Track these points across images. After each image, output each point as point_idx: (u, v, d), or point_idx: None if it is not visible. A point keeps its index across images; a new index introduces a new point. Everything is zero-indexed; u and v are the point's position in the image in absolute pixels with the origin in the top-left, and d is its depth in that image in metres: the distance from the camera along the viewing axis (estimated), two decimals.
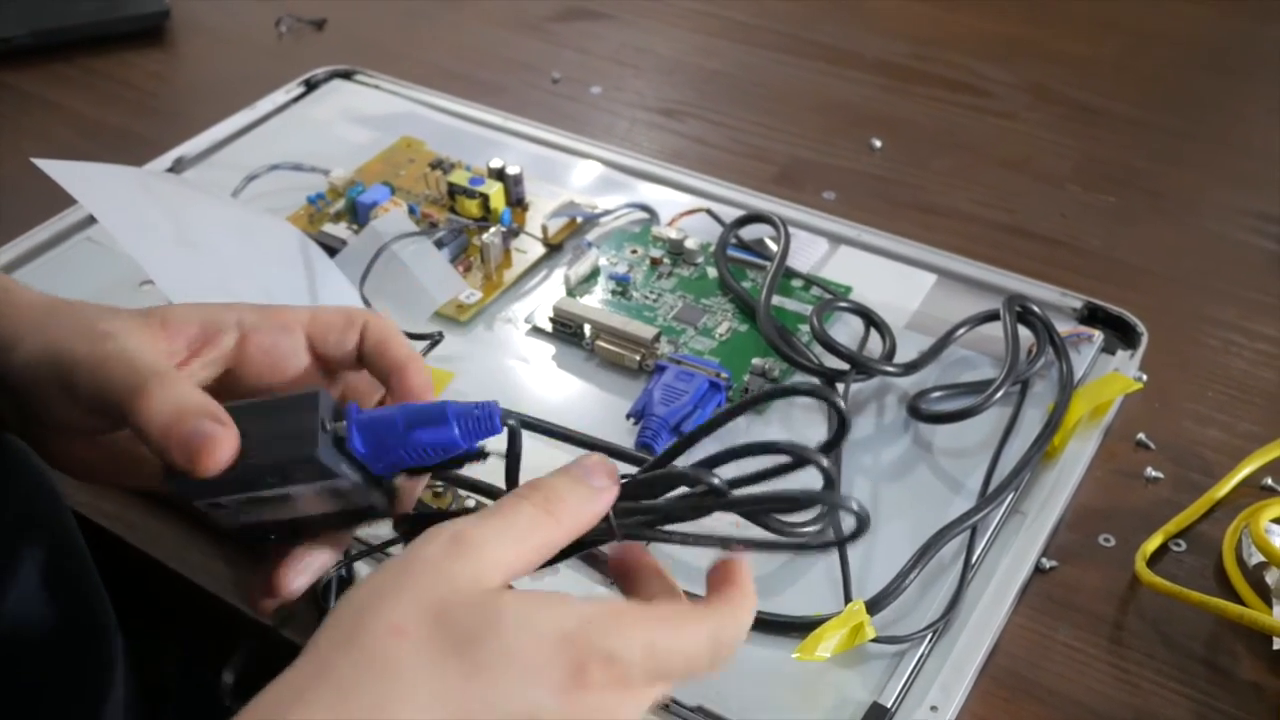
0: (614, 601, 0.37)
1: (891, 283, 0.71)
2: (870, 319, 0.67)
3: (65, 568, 0.53)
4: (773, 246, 0.71)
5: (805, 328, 0.66)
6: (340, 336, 0.45)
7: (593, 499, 0.39)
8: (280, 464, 0.39)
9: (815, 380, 0.63)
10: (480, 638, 0.34)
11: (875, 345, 0.66)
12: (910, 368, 0.64)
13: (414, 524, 0.43)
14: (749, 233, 0.73)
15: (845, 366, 0.63)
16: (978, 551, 0.56)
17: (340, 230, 0.71)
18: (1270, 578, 0.54)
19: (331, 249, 0.70)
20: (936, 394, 0.63)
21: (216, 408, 0.39)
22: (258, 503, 0.41)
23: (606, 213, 0.76)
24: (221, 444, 0.38)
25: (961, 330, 0.66)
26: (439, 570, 0.35)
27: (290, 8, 1.05)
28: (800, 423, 0.63)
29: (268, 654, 0.50)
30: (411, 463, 0.42)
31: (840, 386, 0.63)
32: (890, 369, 0.63)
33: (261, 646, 0.55)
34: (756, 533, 0.40)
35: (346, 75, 0.93)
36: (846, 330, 0.67)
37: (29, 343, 0.43)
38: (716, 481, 0.39)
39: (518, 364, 0.67)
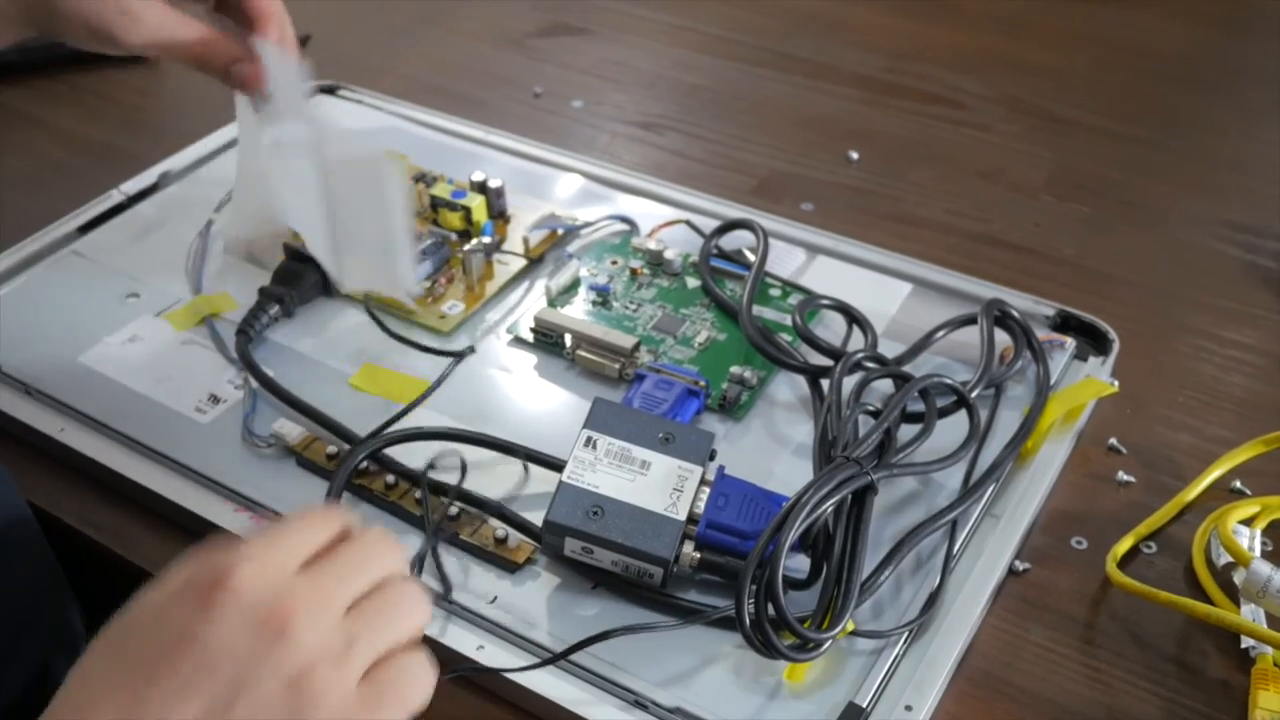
0: None
1: (868, 292, 0.72)
2: (851, 315, 0.68)
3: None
4: (750, 256, 0.72)
5: (784, 335, 0.67)
6: None
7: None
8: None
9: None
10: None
11: (857, 342, 0.67)
12: (897, 363, 0.65)
13: None
14: (729, 243, 0.74)
15: (830, 362, 0.64)
16: (958, 545, 0.57)
17: None
18: (1238, 578, 0.55)
19: (317, 261, 0.71)
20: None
21: (245, 50, 0.61)
22: None
23: (587, 225, 0.77)
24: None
25: (941, 332, 0.67)
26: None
27: None
28: (782, 422, 0.64)
29: None
30: None
31: (825, 382, 0.64)
32: (869, 357, 0.64)
33: None
34: None
35: (330, 90, 0.94)
36: (827, 333, 0.68)
37: None
38: None
39: (499, 373, 0.67)
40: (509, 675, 0.52)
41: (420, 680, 0.41)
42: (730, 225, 0.75)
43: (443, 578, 0.55)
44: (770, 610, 0.49)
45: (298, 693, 0.37)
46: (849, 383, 0.61)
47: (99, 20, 0.58)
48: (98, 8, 0.58)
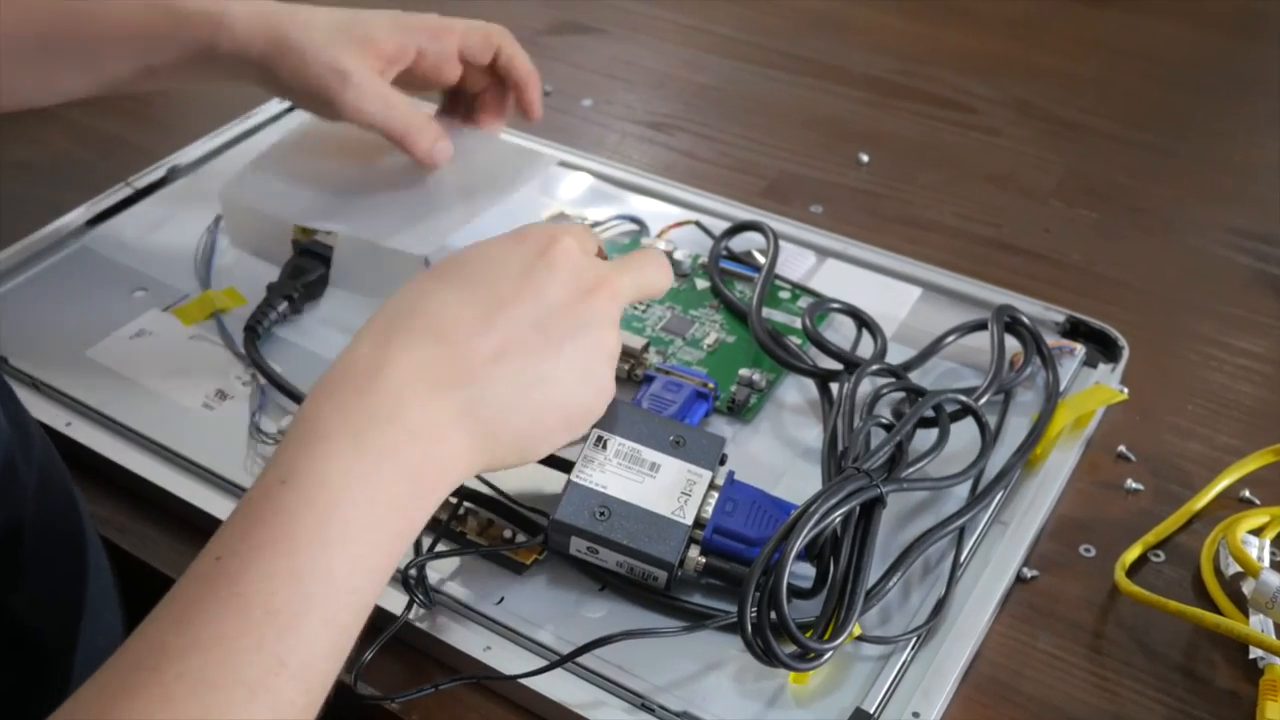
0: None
1: (878, 296, 0.72)
2: (861, 320, 0.68)
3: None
4: (760, 259, 0.72)
5: (793, 337, 0.67)
6: (481, 51, 0.72)
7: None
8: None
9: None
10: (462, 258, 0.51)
11: (866, 347, 0.67)
12: (904, 369, 0.65)
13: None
14: (738, 245, 0.74)
15: (839, 367, 0.64)
16: (965, 551, 0.57)
17: (331, 239, 0.72)
18: (1246, 588, 0.55)
19: (325, 257, 0.71)
20: None
21: (441, 132, 0.71)
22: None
23: (596, 224, 0.77)
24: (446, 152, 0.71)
25: (951, 337, 0.67)
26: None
27: None
28: (790, 425, 0.64)
29: None
30: None
31: (834, 387, 0.64)
32: (883, 369, 0.64)
33: None
34: None
35: None
36: (836, 336, 0.68)
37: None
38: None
39: None
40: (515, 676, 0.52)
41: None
42: (740, 227, 0.75)
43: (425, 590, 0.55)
44: (773, 617, 0.49)
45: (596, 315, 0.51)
46: (861, 392, 0.61)
47: (319, 84, 0.66)
48: (318, 71, 0.65)
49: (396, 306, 0.48)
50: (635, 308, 0.70)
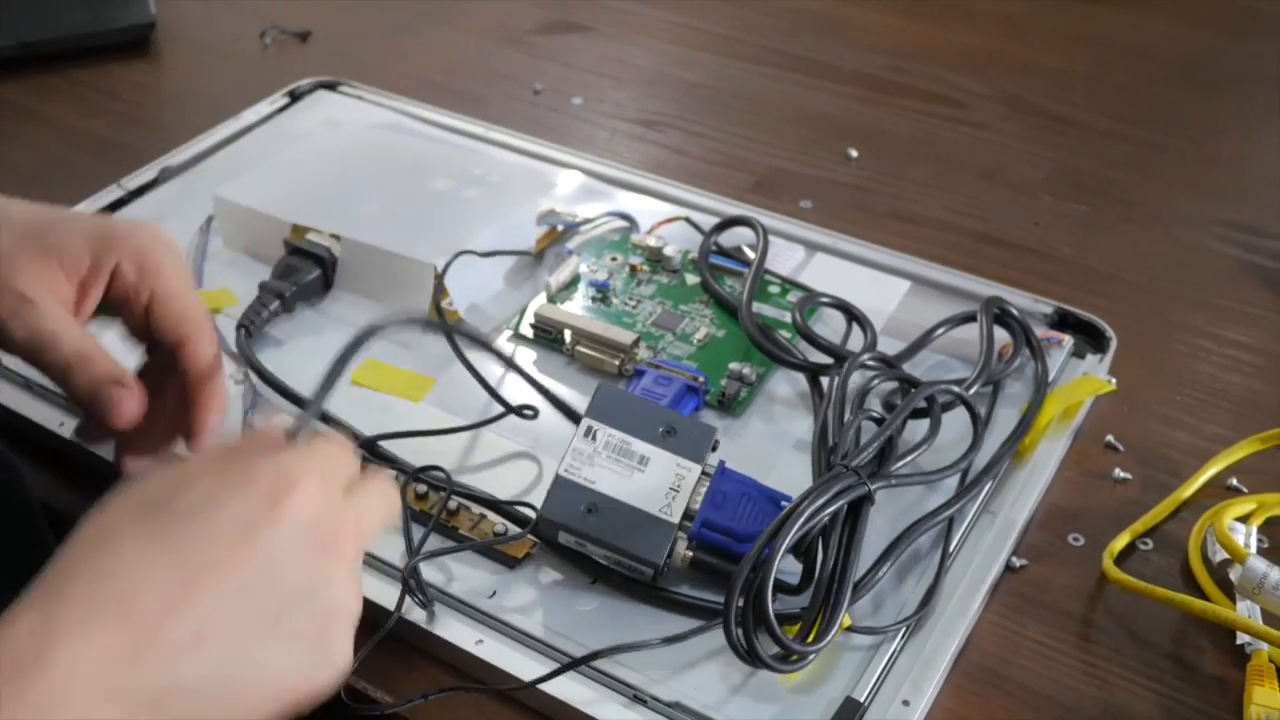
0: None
1: (867, 289, 0.72)
2: (850, 313, 0.68)
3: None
4: (750, 254, 0.73)
5: (783, 331, 0.68)
6: (166, 326, 0.53)
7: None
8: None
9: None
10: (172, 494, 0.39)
11: (856, 341, 0.67)
12: (896, 361, 0.65)
13: None
14: (728, 240, 0.75)
15: (829, 360, 0.65)
16: (954, 542, 0.57)
17: (324, 239, 0.72)
18: (1234, 574, 0.55)
19: (317, 257, 0.71)
20: None
21: (122, 373, 0.51)
22: None
23: (587, 221, 0.77)
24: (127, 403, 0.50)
25: (941, 330, 0.67)
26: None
27: (275, 20, 1.06)
28: (780, 419, 0.64)
29: None
30: None
31: (824, 380, 0.64)
32: (873, 362, 0.64)
33: None
34: None
35: (330, 86, 0.94)
36: (826, 330, 0.68)
37: None
38: None
39: (500, 369, 0.68)
40: (508, 670, 0.52)
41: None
42: (729, 222, 0.75)
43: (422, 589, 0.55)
44: (757, 618, 0.49)
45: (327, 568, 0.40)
46: (851, 385, 0.62)
47: None
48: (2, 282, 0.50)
49: (73, 554, 0.37)
50: (627, 303, 0.71)
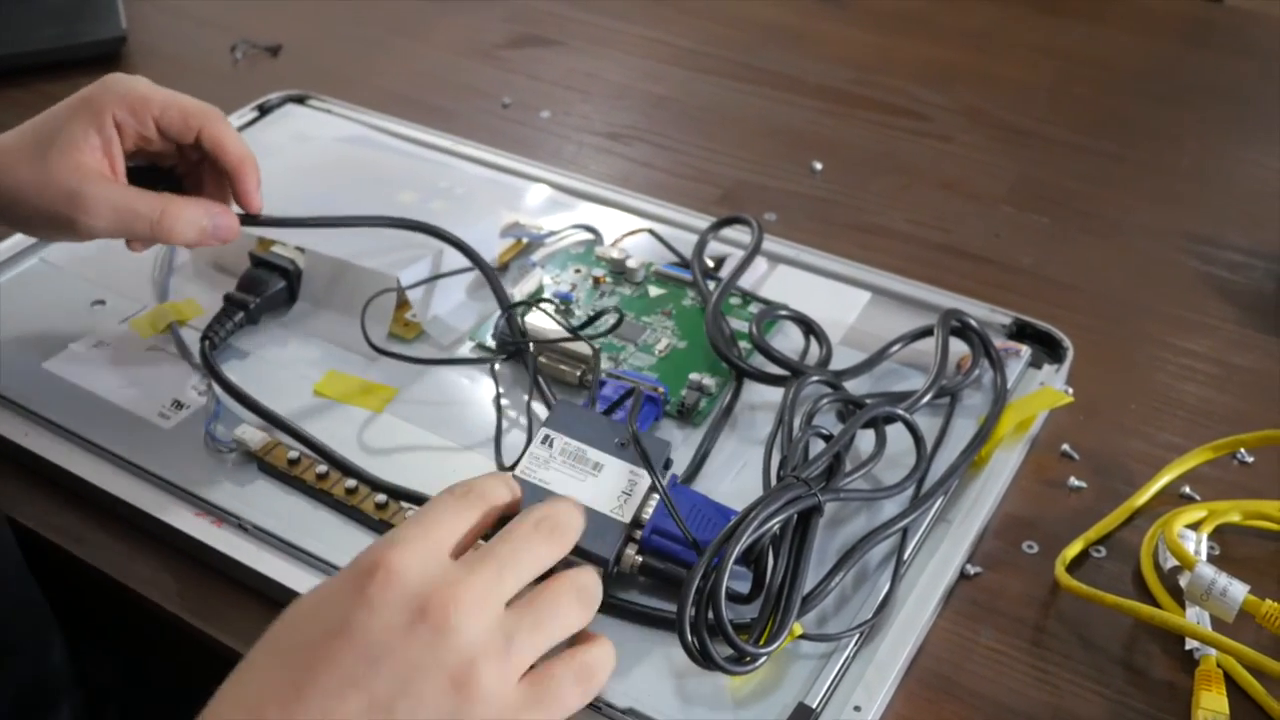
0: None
1: (827, 300, 0.73)
2: (809, 327, 0.69)
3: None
4: (710, 264, 0.74)
5: (742, 343, 0.68)
6: (180, 130, 0.61)
7: (504, 482, 0.46)
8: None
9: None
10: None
11: (815, 354, 0.68)
12: (852, 372, 0.66)
13: None
14: (689, 251, 0.75)
15: (785, 373, 0.65)
16: (909, 551, 0.58)
17: (288, 252, 0.72)
18: (1183, 581, 0.56)
19: (282, 269, 0.71)
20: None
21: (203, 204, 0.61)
22: None
23: (552, 234, 0.77)
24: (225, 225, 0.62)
25: (896, 347, 0.68)
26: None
27: (246, 34, 1.06)
28: (739, 430, 0.65)
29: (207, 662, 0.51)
30: None
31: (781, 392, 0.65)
32: (827, 377, 0.65)
33: (200, 657, 0.56)
34: None
35: (300, 100, 0.94)
36: (786, 342, 0.69)
37: None
38: None
39: (462, 380, 0.68)
40: None
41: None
42: (726, 220, 0.78)
43: None
44: (710, 620, 0.49)
45: (460, 690, 0.38)
46: (804, 401, 0.62)
47: (52, 209, 0.58)
48: (49, 196, 0.58)
49: (221, 693, 0.39)
50: (589, 314, 0.71)
